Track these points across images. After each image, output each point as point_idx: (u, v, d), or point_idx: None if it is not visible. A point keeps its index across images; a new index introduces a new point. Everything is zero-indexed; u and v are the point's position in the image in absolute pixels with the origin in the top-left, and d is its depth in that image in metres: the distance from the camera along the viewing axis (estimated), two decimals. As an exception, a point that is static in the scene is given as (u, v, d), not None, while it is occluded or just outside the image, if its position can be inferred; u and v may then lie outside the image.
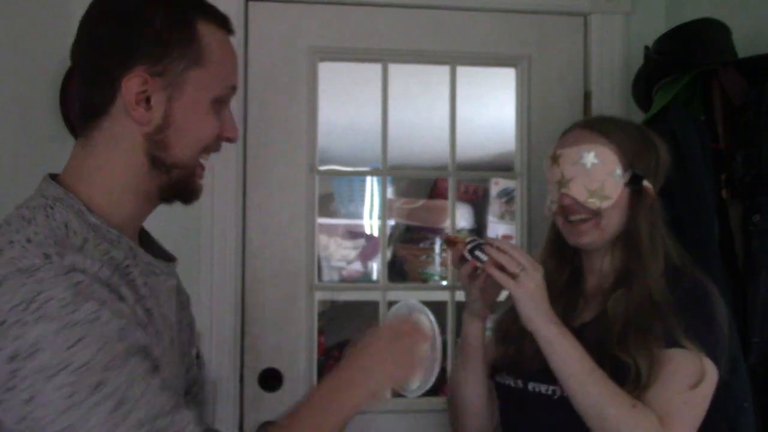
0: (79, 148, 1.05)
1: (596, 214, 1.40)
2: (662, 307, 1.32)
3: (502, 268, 1.31)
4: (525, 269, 1.30)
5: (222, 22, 1.06)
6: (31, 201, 1.00)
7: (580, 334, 1.38)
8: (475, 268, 1.38)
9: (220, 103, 1.05)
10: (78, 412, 0.84)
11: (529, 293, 1.30)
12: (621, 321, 1.33)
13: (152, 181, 1.04)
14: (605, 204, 1.39)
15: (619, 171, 1.39)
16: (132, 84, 0.99)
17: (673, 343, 1.28)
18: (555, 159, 1.43)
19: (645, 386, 1.26)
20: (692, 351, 1.27)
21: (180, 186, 1.05)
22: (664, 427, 1.24)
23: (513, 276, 1.30)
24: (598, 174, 1.39)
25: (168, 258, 1.14)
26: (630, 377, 1.27)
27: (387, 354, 1.12)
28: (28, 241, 0.91)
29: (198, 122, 1.03)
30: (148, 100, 0.99)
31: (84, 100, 1.03)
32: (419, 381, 1.25)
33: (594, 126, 1.45)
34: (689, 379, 1.27)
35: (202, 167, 1.08)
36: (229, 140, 1.09)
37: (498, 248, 1.32)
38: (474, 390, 1.48)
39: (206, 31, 1.02)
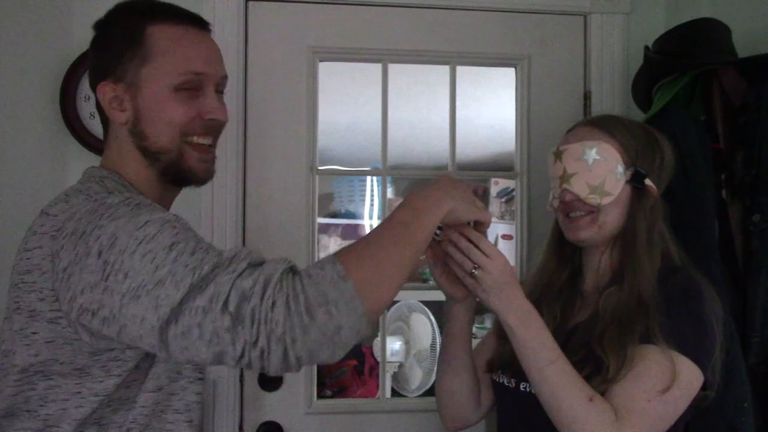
0: (105, 146, 1.25)
1: (594, 210, 1.40)
2: (650, 306, 1.31)
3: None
4: (480, 266, 1.27)
5: (177, 18, 1.21)
6: (78, 183, 1.19)
7: (573, 334, 1.38)
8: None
9: (185, 89, 1.18)
10: (165, 268, 0.98)
11: (486, 289, 1.28)
12: (607, 318, 1.33)
13: (150, 169, 1.21)
14: (605, 200, 1.39)
15: (620, 168, 1.40)
16: (102, 93, 1.20)
17: (648, 341, 1.27)
18: (558, 154, 1.44)
19: (611, 381, 1.26)
20: (665, 350, 1.26)
21: (173, 169, 1.21)
22: (621, 423, 1.22)
23: (471, 274, 1.28)
24: (599, 170, 1.39)
25: None
26: (602, 371, 1.27)
27: (450, 189, 1.20)
28: (87, 194, 1.11)
29: (162, 110, 1.18)
30: (122, 102, 1.19)
31: (98, 113, 1.26)
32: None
33: (598, 123, 1.45)
34: (658, 378, 1.25)
35: (200, 149, 1.21)
36: (213, 121, 1.21)
37: (454, 244, 1.29)
38: (453, 380, 1.47)
39: (155, 32, 1.18)
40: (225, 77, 1.26)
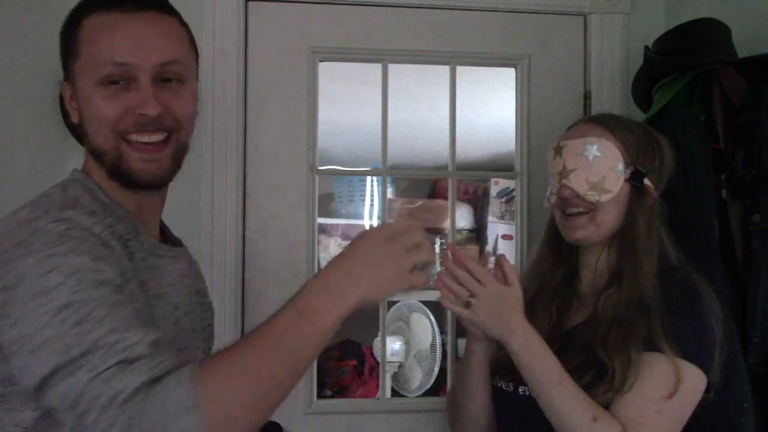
0: None
1: (593, 208, 1.39)
2: (650, 307, 1.30)
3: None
4: (475, 294, 1.28)
5: (109, 4, 1.09)
6: (54, 185, 1.12)
7: (572, 335, 1.38)
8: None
9: (111, 83, 1.07)
10: (47, 331, 0.91)
11: (484, 318, 1.29)
12: (608, 320, 1.33)
13: (102, 170, 1.12)
14: (604, 198, 1.38)
15: (620, 166, 1.39)
16: (63, 93, 1.15)
17: (652, 347, 1.27)
18: (558, 150, 1.43)
19: (618, 389, 1.26)
20: (669, 356, 1.25)
21: (116, 171, 1.10)
22: None
23: (467, 303, 1.29)
24: (599, 167, 1.38)
25: (174, 243, 1.25)
26: (607, 378, 1.27)
27: (375, 259, 0.99)
28: (37, 206, 1.03)
29: (90, 107, 1.09)
30: (74, 101, 1.13)
31: None
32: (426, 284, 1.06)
33: (599, 121, 1.46)
34: (664, 387, 1.25)
35: (142, 149, 1.09)
36: (143, 116, 1.07)
37: (449, 271, 1.30)
38: (468, 402, 1.48)
39: (86, 24, 1.10)
40: (169, 63, 1.09)
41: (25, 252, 0.95)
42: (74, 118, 1.14)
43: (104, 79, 1.07)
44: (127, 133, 1.08)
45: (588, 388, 1.28)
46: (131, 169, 1.09)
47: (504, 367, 1.42)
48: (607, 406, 1.27)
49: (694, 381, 1.27)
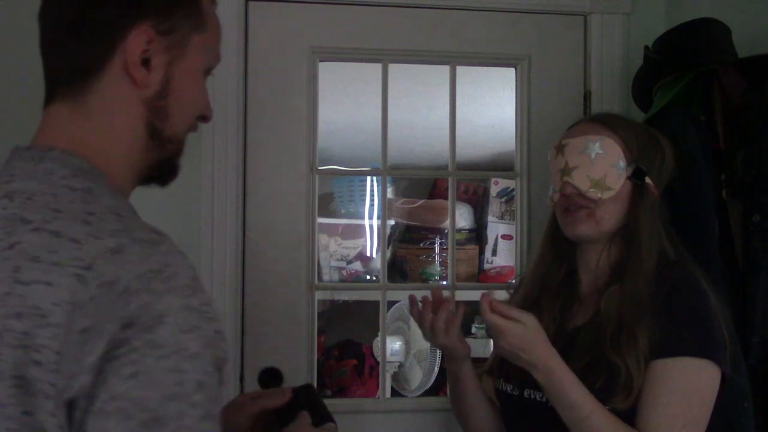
0: (66, 111, 0.92)
1: (593, 205, 1.39)
2: (652, 304, 1.30)
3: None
4: (500, 331, 1.28)
5: None
6: (51, 175, 0.90)
7: (575, 337, 1.38)
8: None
9: (207, 73, 0.98)
10: (181, 404, 0.74)
11: (506, 353, 1.30)
12: (614, 321, 1.32)
13: (147, 156, 0.93)
14: (606, 195, 1.38)
15: (622, 163, 1.39)
16: (138, 40, 0.88)
17: (665, 352, 1.27)
18: (560, 148, 1.44)
19: (636, 392, 1.26)
20: (684, 359, 1.26)
21: (168, 163, 0.97)
22: None
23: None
24: (601, 164, 1.39)
25: None
26: (621, 380, 1.27)
27: None
28: (108, 213, 0.82)
29: (194, 91, 0.95)
30: (148, 61, 0.89)
31: (72, 57, 0.90)
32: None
33: (601, 119, 1.47)
34: (682, 397, 1.25)
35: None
36: (205, 119, 1.00)
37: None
38: (475, 420, 1.50)
39: (206, 5, 0.96)
40: None
41: (167, 288, 0.77)
42: (143, 80, 0.89)
43: (209, 69, 0.98)
44: (193, 129, 0.99)
45: (602, 393, 1.27)
46: (179, 166, 0.99)
47: (507, 370, 1.42)
48: (629, 412, 1.26)
49: (710, 378, 1.28)
